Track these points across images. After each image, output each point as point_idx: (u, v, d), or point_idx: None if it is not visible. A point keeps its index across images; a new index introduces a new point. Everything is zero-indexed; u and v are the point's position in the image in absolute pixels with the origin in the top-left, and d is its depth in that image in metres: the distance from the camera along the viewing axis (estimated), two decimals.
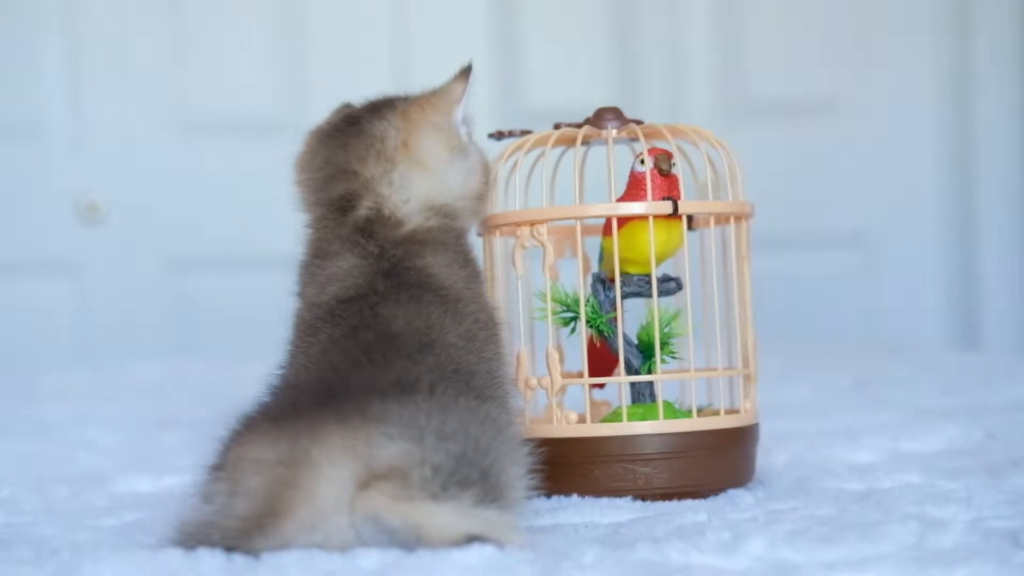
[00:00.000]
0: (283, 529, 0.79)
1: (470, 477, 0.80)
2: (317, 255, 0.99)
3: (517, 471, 0.86)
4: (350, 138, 1.00)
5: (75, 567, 0.78)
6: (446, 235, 0.99)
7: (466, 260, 1.01)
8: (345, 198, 0.98)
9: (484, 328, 0.97)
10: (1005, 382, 1.76)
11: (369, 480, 0.79)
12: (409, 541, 0.79)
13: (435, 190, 0.99)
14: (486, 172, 1.05)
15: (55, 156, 2.61)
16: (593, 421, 1.08)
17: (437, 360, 0.90)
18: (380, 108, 1.02)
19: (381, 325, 0.91)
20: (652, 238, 1.04)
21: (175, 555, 0.79)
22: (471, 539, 0.78)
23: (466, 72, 1.02)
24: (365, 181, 0.98)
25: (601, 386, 1.13)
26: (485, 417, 0.86)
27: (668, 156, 1.06)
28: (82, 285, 2.62)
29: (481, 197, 1.04)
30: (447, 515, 0.79)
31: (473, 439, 0.82)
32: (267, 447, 0.82)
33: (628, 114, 1.13)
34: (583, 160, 1.16)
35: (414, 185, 0.98)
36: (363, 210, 0.98)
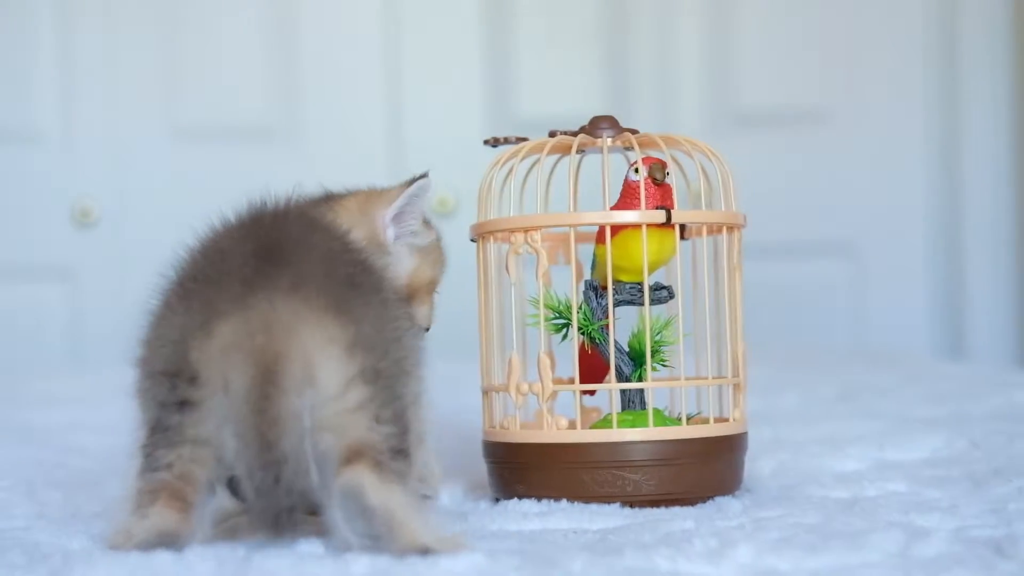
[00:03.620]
0: (281, 388, 0.81)
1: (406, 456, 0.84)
2: None
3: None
4: None
5: (67, 572, 0.78)
6: None
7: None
8: None
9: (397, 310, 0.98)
10: (990, 392, 1.76)
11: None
12: (378, 527, 0.79)
13: None
14: (415, 268, 1.08)
15: (48, 161, 2.61)
16: (583, 427, 1.08)
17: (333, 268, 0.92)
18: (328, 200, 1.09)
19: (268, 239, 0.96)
20: (645, 247, 1.05)
21: (167, 559, 0.79)
22: (427, 550, 0.79)
23: (408, 183, 1.06)
24: None
25: (592, 393, 1.13)
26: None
27: (662, 165, 1.07)
28: (75, 290, 2.62)
29: (409, 287, 1.08)
30: (417, 519, 0.80)
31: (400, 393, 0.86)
32: (237, 331, 0.84)
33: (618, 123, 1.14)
34: (578, 168, 1.17)
35: None
36: None
